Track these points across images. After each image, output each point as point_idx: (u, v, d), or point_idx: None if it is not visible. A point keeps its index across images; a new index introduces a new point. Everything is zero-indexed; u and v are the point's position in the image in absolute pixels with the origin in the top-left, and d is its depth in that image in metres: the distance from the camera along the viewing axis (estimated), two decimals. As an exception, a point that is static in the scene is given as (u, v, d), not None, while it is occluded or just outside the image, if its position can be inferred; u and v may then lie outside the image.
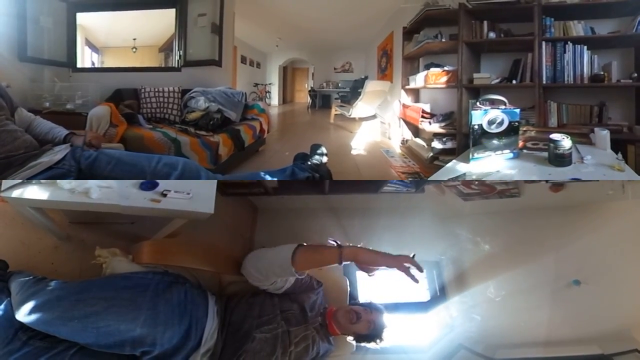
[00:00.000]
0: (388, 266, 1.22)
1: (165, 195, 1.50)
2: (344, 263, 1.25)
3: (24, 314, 1.20)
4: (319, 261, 1.32)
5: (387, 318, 1.51)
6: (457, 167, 1.99)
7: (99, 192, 1.44)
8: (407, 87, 3.45)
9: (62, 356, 1.17)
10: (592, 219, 1.92)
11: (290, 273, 1.30)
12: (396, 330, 1.57)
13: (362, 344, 1.51)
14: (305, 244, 1.31)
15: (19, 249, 1.70)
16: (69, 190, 1.43)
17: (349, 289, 1.75)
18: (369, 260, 1.24)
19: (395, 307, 1.91)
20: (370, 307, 1.50)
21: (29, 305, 1.20)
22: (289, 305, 1.45)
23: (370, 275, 1.27)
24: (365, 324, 1.45)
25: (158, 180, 1.56)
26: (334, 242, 1.29)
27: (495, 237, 2.07)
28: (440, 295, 2.16)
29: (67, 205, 1.47)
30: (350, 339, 1.50)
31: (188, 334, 1.27)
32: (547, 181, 1.86)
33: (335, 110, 4.70)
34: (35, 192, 1.43)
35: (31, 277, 1.33)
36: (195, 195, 1.53)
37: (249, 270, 1.41)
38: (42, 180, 1.48)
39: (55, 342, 1.19)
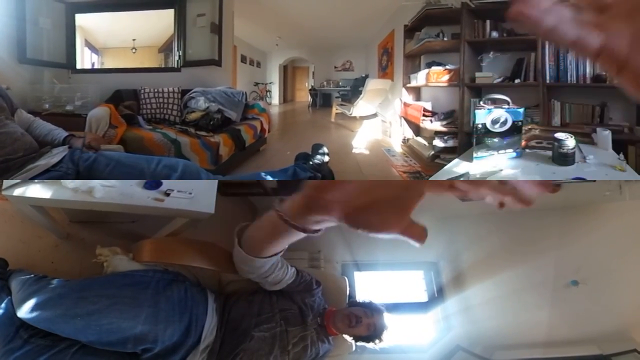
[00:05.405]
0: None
1: (168, 195, 1.50)
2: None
3: (26, 311, 1.20)
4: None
5: (387, 318, 1.50)
6: (460, 166, 1.99)
7: (102, 191, 1.44)
8: (408, 85, 3.44)
9: (64, 354, 1.16)
10: (590, 220, 1.91)
11: None
12: (395, 330, 1.56)
13: (361, 344, 1.49)
14: None
15: (19, 247, 1.71)
16: (72, 189, 1.42)
17: (348, 289, 1.75)
18: None
19: (394, 307, 1.90)
20: (370, 309, 1.47)
21: (31, 303, 1.20)
22: (289, 305, 1.44)
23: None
24: (365, 327, 1.43)
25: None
26: None
27: (493, 237, 2.07)
28: (438, 296, 2.16)
29: (71, 204, 1.46)
30: (349, 338, 1.48)
31: (188, 331, 1.28)
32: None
33: (336, 109, 4.69)
34: (39, 191, 1.43)
35: (32, 276, 1.33)
36: (197, 195, 1.53)
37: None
38: (45, 180, 1.48)
39: (56, 340, 1.18)
